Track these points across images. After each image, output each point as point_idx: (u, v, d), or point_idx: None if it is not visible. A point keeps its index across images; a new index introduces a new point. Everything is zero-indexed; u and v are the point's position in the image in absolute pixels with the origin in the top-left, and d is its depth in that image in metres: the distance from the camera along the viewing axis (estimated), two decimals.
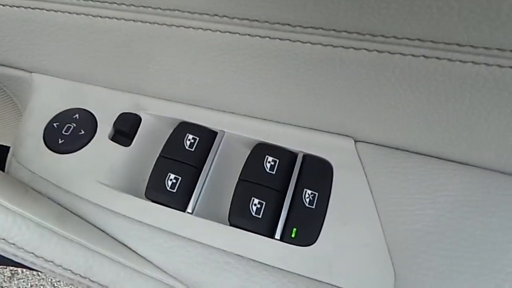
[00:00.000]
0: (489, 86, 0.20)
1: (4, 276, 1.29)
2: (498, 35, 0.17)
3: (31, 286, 1.29)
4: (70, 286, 1.27)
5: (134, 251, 0.24)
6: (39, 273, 1.29)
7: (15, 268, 1.29)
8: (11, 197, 0.22)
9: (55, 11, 0.25)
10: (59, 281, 1.30)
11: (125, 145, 0.28)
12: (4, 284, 1.28)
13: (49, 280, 1.30)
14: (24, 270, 1.30)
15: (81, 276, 0.22)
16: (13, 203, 0.21)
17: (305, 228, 0.24)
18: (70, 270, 0.22)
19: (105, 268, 0.23)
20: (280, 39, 0.21)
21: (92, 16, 0.24)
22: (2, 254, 0.22)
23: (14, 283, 1.28)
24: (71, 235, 0.22)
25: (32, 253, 0.22)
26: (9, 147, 0.29)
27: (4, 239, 0.21)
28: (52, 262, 0.22)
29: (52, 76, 0.30)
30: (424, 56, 0.19)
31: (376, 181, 0.25)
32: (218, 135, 0.27)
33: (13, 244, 0.21)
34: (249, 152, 0.27)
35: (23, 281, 1.29)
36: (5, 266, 1.29)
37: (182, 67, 0.26)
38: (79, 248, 0.22)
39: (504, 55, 0.18)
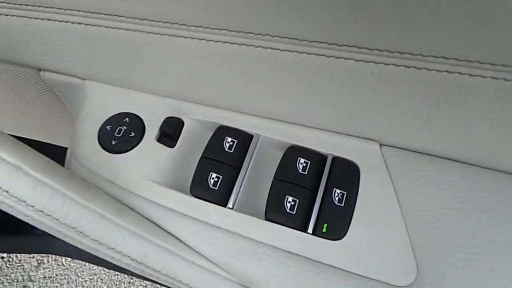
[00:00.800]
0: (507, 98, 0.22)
1: (31, 265, 1.35)
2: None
3: (56, 275, 1.35)
4: (93, 276, 1.33)
5: (182, 241, 0.27)
6: (64, 263, 1.35)
7: (41, 258, 1.35)
8: (78, 192, 0.25)
9: (106, 27, 0.28)
10: (82, 271, 1.35)
11: (170, 146, 0.31)
12: (31, 273, 1.34)
13: (73, 270, 1.36)
14: (50, 260, 1.36)
15: (137, 262, 0.25)
16: (80, 197, 0.25)
17: (335, 224, 0.27)
18: (128, 256, 0.25)
19: (157, 256, 0.26)
20: (316, 54, 0.24)
21: (142, 32, 0.27)
22: (70, 241, 0.26)
23: (41, 272, 1.34)
24: (129, 226, 0.25)
25: (97, 240, 0.25)
26: (59, 146, 0.33)
27: (74, 228, 0.24)
28: (113, 249, 0.25)
29: (104, 83, 0.33)
30: (447, 71, 0.22)
31: (400, 182, 0.27)
32: (254, 138, 0.30)
33: (81, 232, 0.24)
34: (282, 154, 0.30)
35: (49, 270, 1.35)
36: (32, 255, 1.35)
37: (221, 78, 0.28)
38: (136, 238, 0.25)
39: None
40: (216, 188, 0.28)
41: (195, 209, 0.28)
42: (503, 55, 0.20)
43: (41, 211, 0.23)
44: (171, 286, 0.27)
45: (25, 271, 1.33)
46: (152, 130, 0.31)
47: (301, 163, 0.29)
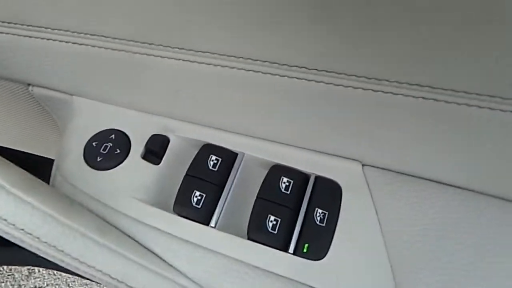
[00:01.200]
0: (486, 124, 0.22)
1: (22, 274, 1.34)
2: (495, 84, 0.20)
3: (47, 285, 1.33)
4: (85, 286, 1.31)
5: (163, 260, 0.27)
6: (55, 272, 1.34)
7: (32, 267, 1.34)
8: (59, 209, 0.25)
9: (92, 46, 0.28)
10: (73, 281, 1.34)
11: (155, 163, 0.31)
12: (21, 282, 1.32)
13: (64, 280, 1.35)
14: (41, 269, 1.34)
15: (118, 280, 0.26)
16: (61, 215, 0.25)
17: (316, 244, 0.27)
18: (108, 275, 0.25)
19: (139, 275, 0.26)
20: (297, 78, 0.24)
21: (128, 52, 0.28)
22: (51, 259, 0.26)
23: (31, 282, 1.33)
24: (110, 244, 0.26)
25: (77, 259, 0.25)
26: (47, 158, 0.33)
27: (54, 246, 0.24)
28: (94, 267, 0.25)
29: (91, 99, 0.33)
30: (423, 97, 0.22)
31: (381, 202, 0.28)
32: (238, 156, 0.31)
33: (62, 251, 0.25)
34: (266, 172, 0.30)
35: (40, 280, 1.34)
36: (23, 266, 1.34)
37: (207, 97, 0.29)
38: (117, 256, 0.26)
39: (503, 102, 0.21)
40: (199, 207, 0.28)
41: (178, 227, 0.28)
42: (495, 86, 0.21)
43: (22, 229, 0.24)
44: None
45: (15, 281, 1.32)
46: (137, 147, 0.31)
47: (284, 182, 0.29)
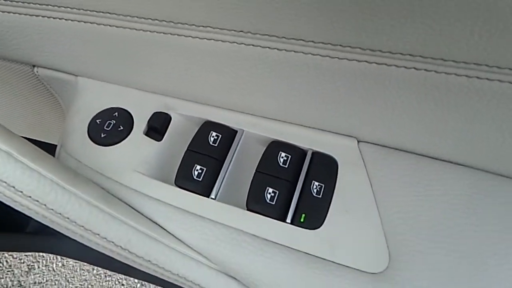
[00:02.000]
0: (480, 96, 0.23)
1: (21, 270, 1.34)
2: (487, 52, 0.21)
3: (46, 281, 1.34)
4: (84, 282, 1.32)
5: (165, 229, 0.28)
6: (55, 268, 1.34)
7: (31, 263, 1.34)
8: (66, 178, 0.26)
9: (98, 24, 0.29)
10: (73, 277, 1.34)
11: (157, 140, 0.32)
12: (21, 278, 1.33)
13: (64, 276, 1.35)
14: (40, 265, 1.35)
15: (121, 248, 0.26)
16: (67, 183, 0.26)
17: (312, 214, 0.28)
18: (113, 242, 0.26)
19: (141, 242, 0.27)
20: (294, 51, 0.25)
21: (133, 29, 0.29)
22: (56, 227, 0.26)
23: (31, 277, 1.33)
24: (114, 213, 0.26)
25: (83, 226, 0.26)
26: (49, 143, 0.34)
27: (60, 214, 0.25)
28: (98, 234, 0.26)
29: (95, 79, 0.34)
30: (415, 68, 0.23)
31: (376, 176, 0.29)
32: (238, 133, 0.32)
33: (67, 218, 0.25)
34: (264, 148, 0.31)
35: (39, 276, 1.34)
36: (23, 261, 1.34)
37: (208, 75, 0.30)
38: (121, 224, 0.26)
39: (492, 70, 0.22)
40: (200, 180, 0.29)
41: (179, 199, 0.29)
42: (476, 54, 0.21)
43: (29, 197, 0.24)
44: (153, 273, 0.28)
45: (15, 276, 1.32)
46: (140, 124, 0.32)
47: (282, 157, 0.30)
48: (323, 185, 0.29)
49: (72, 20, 0.30)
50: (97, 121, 0.32)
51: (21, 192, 0.24)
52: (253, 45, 0.26)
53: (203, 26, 0.26)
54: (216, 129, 0.31)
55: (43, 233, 0.57)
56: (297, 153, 0.30)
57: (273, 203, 0.28)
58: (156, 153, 0.31)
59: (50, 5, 0.29)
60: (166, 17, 0.27)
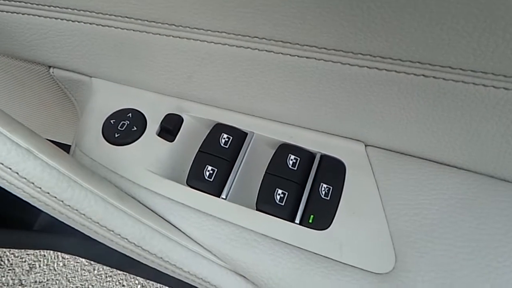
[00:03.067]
0: (485, 103, 0.24)
1: (23, 269, 1.35)
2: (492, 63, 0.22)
3: (47, 280, 1.34)
4: (85, 282, 1.32)
5: (177, 228, 0.29)
6: (56, 268, 1.35)
7: (33, 262, 1.35)
8: (83, 176, 0.27)
9: (115, 27, 0.30)
10: (74, 277, 1.35)
11: (170, 140, 0.33)
12: (22, 277, 1.33)
13: (65, 275, 1.35)
14: (41, 264, 1.35)
15: (135, 245, 0.27)
16: (84, 180, 0.27)
17: (320, 215, 0.29)
18: (126, 239, 0.27)
19: (154, 240, 0.27)
20: (306, 57, 0.26)
21: (148, 33, 0.30)
22: (72, 224, 0.27)
23: (32, 276, 1.33)
24: (129, 210, 0.27)
25: (98, 223, 0.27)
26: (62, 144, 0.35)
27: (77, 210, 0.26)
28: (112, 231, 0.27)
29: (109, 81, 0.35)
30: (423, 75, 0.24)
31: (382, 179, 0.29)
32: (248, 135, 0.32)
33: (83, 214, 0.26)
34: (274, 151, 0.32)
35: (40, 275, 1.34)
36: (23, 260, 1.35)
37: (219, 78, 0.31)
38: (135, 221, 0.27)
39: (498, 79, 0.23)
40: (211, 180, 0.30)
41: (191, 198, 0.30)
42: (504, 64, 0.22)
43: (48, 193, 0.25)
44: (165, 270, 0.29)
45: (16, 275, 1.32)
46: (153, 125, 0.33)
47: (291, 159, 0.31)
48: (331, 187, 0.29)
49: (89, 23, 0.31)
50: (111, 121, 0.33)
51: (40, 188, 0.25)
52: (266, 50, 0.27)
53: (218, 31, 0.27)
54: (227, 131, 0.32)
55: (50, 231, 0.58)
56: (306, 156, 0.31)
57: (283, 204, 0.29)
58: (168, 153, 0.32)
59: (69, 8, 0.30)
60: (180, 22, 0.28)
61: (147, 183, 0.30)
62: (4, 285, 1.31)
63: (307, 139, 0.32)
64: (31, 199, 0.26)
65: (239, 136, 0.32)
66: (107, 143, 0.32)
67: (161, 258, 0.27)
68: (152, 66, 0.32)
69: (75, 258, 1.38)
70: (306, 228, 0.28)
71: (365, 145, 0.31)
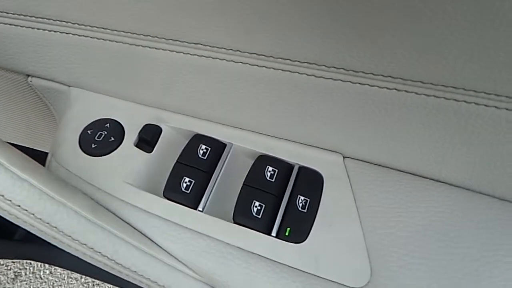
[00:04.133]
0: (457, 117, 0.24)
1: (8, 277, 1.32)
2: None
3: None
4: None
5: (152, 240, 0.28)
6: (41, 276, 1.32)
7: (18, 270, 1.32)
8: (55, 188, 0.26)
9: (91, 37, 0.30)
10: (60, 285, 1.32)
11: (148, 151, 0.32)
12: (7, 285, 1.31)
13: (51, 283, 1.33)
14: (27, 272, 1.33)
15: (108, 258, 0.27)
16: (56, 193, 0.26)
17: (297, 228, 0.28)
18: (99, 252, 0.26)
19: (128, 253, 0.27)
20: (282, 70, 0.26)
21: (125, 43, 0.29)
22: (44, 237, 0.27)
23: (17, 285, 1.31)
24: (102, 223, 0.27)
25: (70, 236, 0.26)
26: (40, 151, 0.34)
27: (48, 223, 0.26)
28: (85, 245, 0.26)
29: (87, 90, 0.35)
30: (396, 89, 0.24)
31: (360, 191, 0.29)
32: (227, 146, 0.32)
33: (55, 227, 0.26)
34: (252, 162, 0.32)
35: (26, 283, 1.32)
36: (9, 268, 1.32)
37: (198, 90, 0.31)
38: (108, 235, 0.27)
39: (500, 99, 0.23)
40: (188, 192, 0.30)
41: (167, 210, 0.29)
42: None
43: (18, 206, 0.25)
44: (139, 284, 0.28)
45: (1, 283, 1.30)
46: (131, 135, 0.33)
47: (269, 171, 0.31)
48: (308, 200, 0.29)
49: (66, 33, 0.30)
50: (89, 131, 0.33)
51: (10, 201, 0.25)
52: (242, 62, 0.27)
53: (194, 43, 0.27)
54: (205, 142, 0.32)
55: (31, 241, 0.57)
56: (284, 168, 0.31)
57: (259, 216, 0.29)
58: (146, 164, 0.32)
59: (45, 18, 0.30)
60: (158, 33, 0.28)
61: (123, 195, 0.30)
62: None
63: (285, 150, 0.32)
64: (1, 211, 0.25)
65: (218, 147, 0.32)
66: (83, 153, 0.32)
67: (135, 271, 0.27)
68: (130, 77, 0.32)
69: None
70: (283, 241, 0.28)
71: (343, 157, 0.31)
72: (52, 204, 0.26)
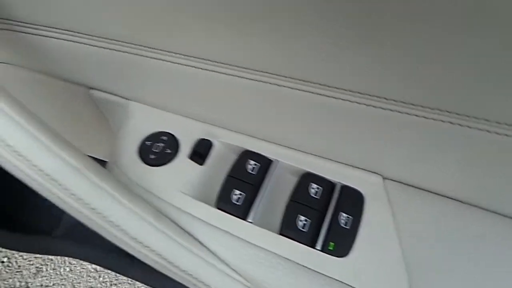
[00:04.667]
0: (499, 148, 0.26)
1: (30, 272, 1.36)
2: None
3: (53, 284, 1.35)
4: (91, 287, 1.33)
5: (206, 247, 0.31)
6: (62, 273, 1.36)
7: (40, 266, 1.36)
8: (123, 194, 0.29)
9: (150, 57, 0.33)
10: (79, 283, 1.36)
11: (200, 164, 0.35)
12: (29, 280, 1.35)
13: (70, 280, 1.37)
14: (48, 268, 1.37)
15: (167, 260, 0.29)
16: (124, 198, 0.29)
17: (340, 243, 0.31)
18: (160, 254, 0.29)
19: (184, 257, 0.30)
20: (325, 96, 0.29)
21: (180, 64, 0.32)
22: (112, 239, 0.30)
23: (38, 280, 1.35)
24: (163, 228, 0.30)
25: (135, 238, 0.29)
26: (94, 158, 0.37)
27: (118, 226, 0.28)
28: (148, 247, 0.29)
29: (146, 104, 0.38)
30: (424, 117, 0.26)
31: (399, 212, 0.31)
32: (273, 163, 0.35)
33: (123, 230, 0.29)
34: (296, 179, 0.34)
35: (46, 279, 1.36)
36: (31, 263, 1.37)
37: (249, 109, 0.33)
38: (168, 239, 0.29)
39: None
40: (239, 204, 0.32)
41: (220, 220, 0.32)
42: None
43: (93, 209, 0.28)
44: (193, 287, 0.31)
45: (23, 278, 1.34)
46: (185, 148, 0.36)
47: (314, 188, 0.33)
48: (350, 217, 0.32)
49: (128, 53, 0.33)
50: (147, 142, 0.36)
51: (89, 205, 0.27)
52: (299, 89, 0.29)
53: (238, 66, 0.30)
54: (254, 158, 0.35)
55: (69, 238, 0.60)
56: (327, 185, 0.33)
57: (305, 230, 0.31)
58: (198, 176, 0.34)
59: (108, 39, 0.33)
60: (207, 56, 0.30)
61: (179, 203, 0.33)
62: (11, 287, 1.33)
63: (328, 169, 0.34)
64: (78, 214, 0.28)
65: (265, 163, 0.35)
66: (143, 163, 0.35)
67: (191, 274, 0.29)
68: (185, 94, 0.35)
69: (82, 264, 1.40)
70: (327, 255, 0.30)
71: (383, 178, 0.33)
72: (122, 209, 0.28)
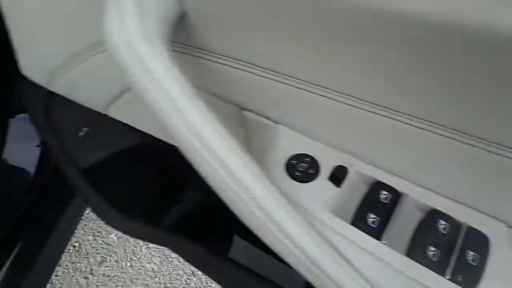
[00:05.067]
0: None
1: (96, 260, 1.47)
2: None
3: (114, 275, 1.45)
4: (145, 286, 1.41)
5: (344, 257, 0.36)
6: (123, 266, 1.46)
7: (105, 256, 1.47)
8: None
9: (304, 90, 0.39)
10: (136, 279, 1.44)
11: (337, 186, 0.41)
12: (93, 267, 1.45)
13: (129, 275, 1.45)
14: (112, 260, 1.47)
15: (320, 268, 0.34)
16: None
17: (468, 277, 0.34)
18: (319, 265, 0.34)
19: (333, 266, 0.34)
20: (453, 139, 0.33)
21: (326, 97, 0.38)
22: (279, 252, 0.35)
23: (102, 269, 1.45)
24: (317, 236, 0.35)
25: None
26: None
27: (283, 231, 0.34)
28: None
29: (292, 129, 0.45)
30: None
31: None
32: (403, 196, 0.40)
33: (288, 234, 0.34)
34: (421, 214, 0.38)
35: (109, 269, 1.46)
36: (98, 252, 1.48)
37: (383, 146, 0.39)
38: (324, 245, 0.34)
39: None
40: (374, 226, 0.37)
41: (357, 236, 0.37)
42: None
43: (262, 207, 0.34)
44: None
45: (89, 264, 1.45)
46: (325, 171, 0.42)
47: (442, 224, 0.37)
48: (477, 255, 0.35)
49: (282, 83, 0.40)
50: (293, 161, 0.42)
51: (264, 208, 0.33)
52: (432, 132, 0.34)
53: (382, 106, 0.35)
54: (386, 189, 0.40)
55: (174, 232, 0.67)
56: (455, 224, 0.37)
57: (435, 260, 0.35)
58: (336, 196, 0.40)
59: (263, 68, 0.40)
60: (353, 93, 0.36)
61: (323, 218, 0.38)
62: (78, 271, 1.44)
63: (455, 210, 0.38)
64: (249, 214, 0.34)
65: (396, 195, 0.40)
66: (289, 178, 0.41)
67: (338, 284, 0.34)
68: (331, 127, 0.41)
69: (141, 261, 1.49)
70: (456, 285, 0.34)
71: (508, 226, 0.37)
72: (295, 216, 0.34)
